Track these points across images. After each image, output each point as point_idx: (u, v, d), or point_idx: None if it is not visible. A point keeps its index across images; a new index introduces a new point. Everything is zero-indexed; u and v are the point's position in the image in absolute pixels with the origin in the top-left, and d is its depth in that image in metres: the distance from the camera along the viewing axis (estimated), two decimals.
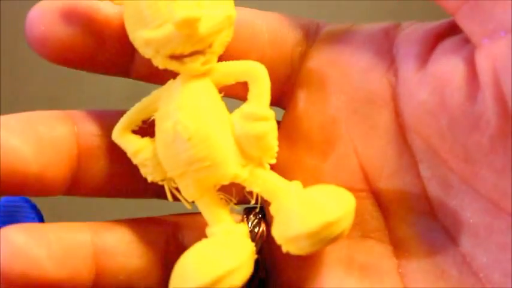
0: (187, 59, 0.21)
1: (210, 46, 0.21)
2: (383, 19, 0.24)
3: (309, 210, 0.21)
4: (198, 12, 0.20)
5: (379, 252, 0.23)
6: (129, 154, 0.23)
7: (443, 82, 0.21)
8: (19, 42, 0.60)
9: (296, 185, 0.22)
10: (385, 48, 0.23)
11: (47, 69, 0.58)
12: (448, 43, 0.21)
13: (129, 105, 0.23)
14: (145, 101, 0.23)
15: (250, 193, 0.23)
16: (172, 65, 0.21)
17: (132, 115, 0.23)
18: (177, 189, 0.23)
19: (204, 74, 0.22)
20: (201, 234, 0.22)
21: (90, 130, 0.23)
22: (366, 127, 0.23)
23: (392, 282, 0.22)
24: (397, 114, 0.22)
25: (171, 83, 0.22)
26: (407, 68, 0.22)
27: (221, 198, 0.23)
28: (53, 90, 0.59)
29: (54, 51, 0.22)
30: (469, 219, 0.21)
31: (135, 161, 0.23)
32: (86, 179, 0.23)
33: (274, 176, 0.22)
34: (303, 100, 0.24)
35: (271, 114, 0.22)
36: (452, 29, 0.22)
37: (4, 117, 0.22)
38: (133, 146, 0.22)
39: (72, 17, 0.22)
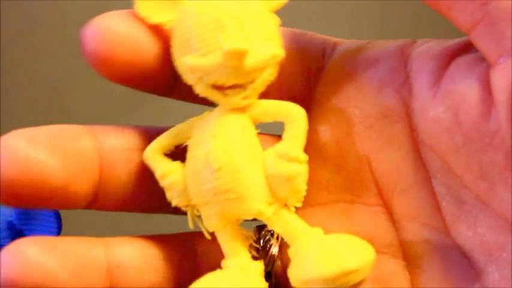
0: (229, 91, 0.21)
1: (252, 82, 0.21)
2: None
3: (328, 256, 0.21)
4: (246, 45, 0.20)
5: (391, 268, 0.23)
6: (157, 176, 0.23)
7: (458, 100, 0.21)
8: (19, 41, 0.60)
9: (317, 231, 0.22)
10: (400, 65, 0.23)
11: (47, 67, 0.59)
12: (462, 61, 0.21)
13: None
14: (179, 127, 0.23)
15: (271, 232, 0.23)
16: (214, 95, 0.21)
17: (166, 139, 0.23)
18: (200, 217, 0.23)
19: (242, 109, 0.22)
20: (216, 251, 0.23)
21: (111, 145, 0.23)
22: (380, 142, 0.23)
23: None
24: (412, 129, 0.22)
25: (207, 113, 0.22)
26: (421, 84, 0.22)
27: (241, 234, 0.23)
28: (53, 86, 0.59)
29: (113, 70, 0.22)
30: (482, 236, 0.21)
31: (162, 183, 0.23)
32: (107, 194, 0.23)
33: (297, 220, 0.22)
34: (318, 114, 0.24)
35: (304, 157, 0.22)
36: (467, 48, 0.22)
37: (30, 131, 0.22)
38: (163, 169, 0.22)
39: (129, 36, 0.22)
